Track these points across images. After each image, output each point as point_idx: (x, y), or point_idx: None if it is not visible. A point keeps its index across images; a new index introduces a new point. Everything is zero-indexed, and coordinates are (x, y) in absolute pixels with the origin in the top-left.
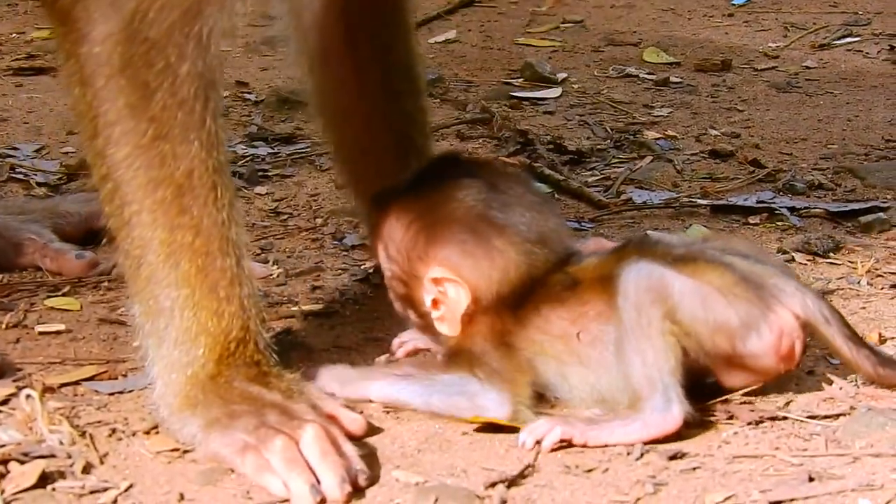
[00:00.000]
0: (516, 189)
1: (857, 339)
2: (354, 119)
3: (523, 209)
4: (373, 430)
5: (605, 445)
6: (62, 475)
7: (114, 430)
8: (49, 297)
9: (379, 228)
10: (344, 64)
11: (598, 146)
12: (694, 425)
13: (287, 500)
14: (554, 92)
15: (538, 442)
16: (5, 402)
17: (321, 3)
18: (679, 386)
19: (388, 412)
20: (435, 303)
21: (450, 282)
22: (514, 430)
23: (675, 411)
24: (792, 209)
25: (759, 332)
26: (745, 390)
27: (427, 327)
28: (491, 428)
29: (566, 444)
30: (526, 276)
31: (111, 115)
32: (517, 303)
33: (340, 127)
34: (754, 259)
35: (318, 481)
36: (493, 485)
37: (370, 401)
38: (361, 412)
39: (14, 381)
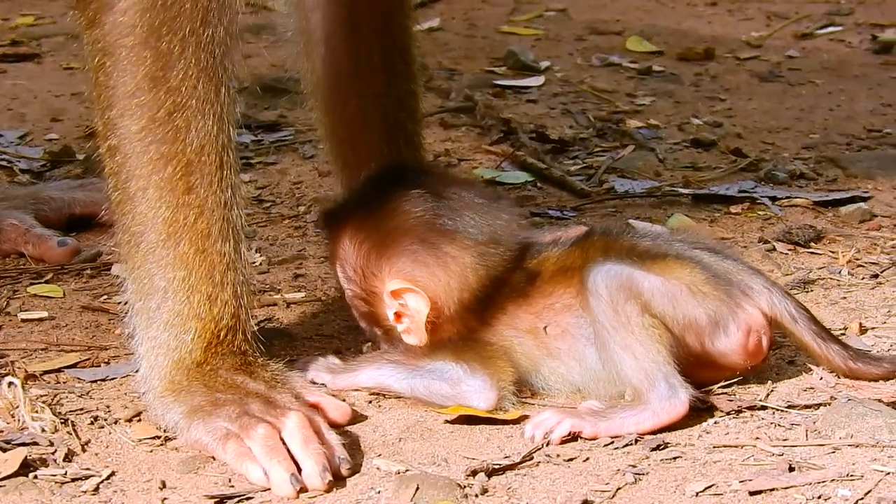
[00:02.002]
0: (462, 193)
1: (826, 335)
2: (348, 99)
3: (472, 212)
4: (355, 418)
5: (617, 437)
6: (44, 463)
7: (96, 418)
8: (32, 284)
9: (334, 249)
10: (344, 43)
11: (581, 135)
12: None
13: (268, 489)
14: (537, 80)
15: (546, 435)
16: None
17: None
18: (677, 372)
19: (369, 401)
20: (398, 316)
21: (408, 292)
22: (493, 420)
23: (682, 396)
24: (773, 199)
25: (728, 331)
26: (725, 382)
27: (395, 341)
28: (472, 417)
29: (571, 437)
30: (486, 278)
31: (130, 85)
32: (483, 304)
33: (334, 108)
34: (722, 254)
35: (300, 469)
36: (474, 473)
37: (357, 389)
38: (344, 400)
39: None
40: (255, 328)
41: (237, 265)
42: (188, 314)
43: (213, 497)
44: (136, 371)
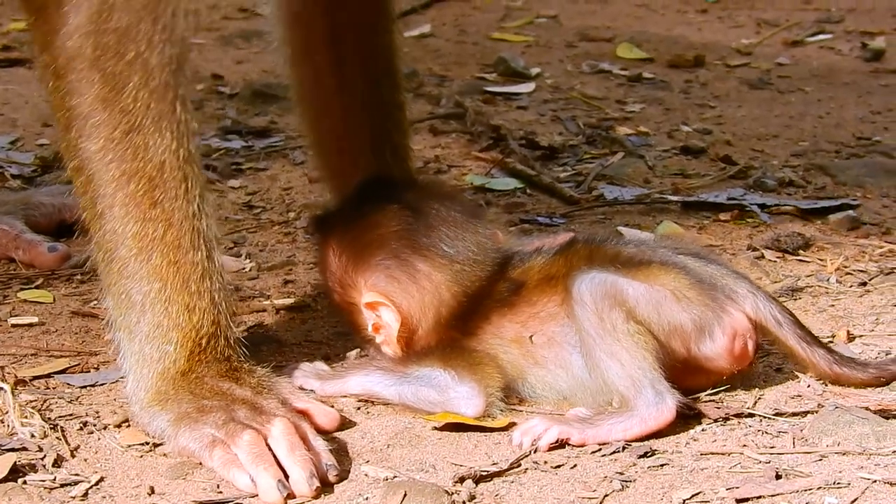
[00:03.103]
0: (441, 208)
1: (811, 339)
2: (333, 111)
3: (448, 229)
4: (343, 424)
5: (605, 444)
6: (33, 468)
7: (85, 424)
8: (22, 289)
9: (319, 258)
10: (326, 55)
11: (571, 142)
12: None
13: (256, 495)
14: (527, 87)
15: (534, 441)
16: None
17: None
18: (664, 378)
19: (358, 408)
20: (375, 327)
21: (382, 306)
22: (481, 427)
23: (669, 402)
24: (762, 206)
25: (713, 335)
26: (713, 389)
27: (379, 347)
28: (459, 424)
29: (559, 444)
30: (461, 294)
31: (83, 107)
32: (463, 317)
33: (319, 118)
34: (706, 259)
35: (287, 476)
36: (462, 480)
37: (346, 395)
38: (332, 406)
39: None
40: (241, 333)
41: (212, 273)
42: (168, 325)
43: (201, 503)
44: (125, 386)
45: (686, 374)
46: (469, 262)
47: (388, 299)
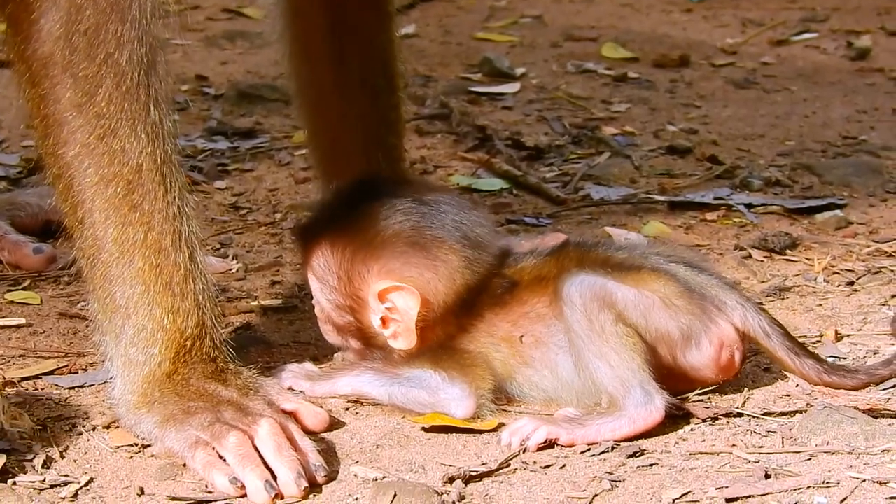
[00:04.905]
0: (442, 199)
1: (800, 350)
2: (330, 110)
3: (454, 217)
4: (332, 425)
5: (593, 444)
6: (22, 469)
7: (74, 425)
8: (9, 290)
9: (311, 262)
10: (324, 55)
11: (557, 142)
12: None
13: (237, 497)
14: (512, 87)
15: (523, 442)
16: None
17: None
18: (653, 379)
19: (347, 408)
20: (384, 321)
21: (397, 290)
22: (470, 429)
23: (658, 402)
24: (749, 206)
25: (700, 345)
26: (702, 389)
27: (372, 351)
28: (449, 425)
29: (548, 445)
30: (471, 281)
31: (58, 114)
32: (463, 310)
33: (316, 116)
34: (698, 268)
35: (275, 477)
36: (451, 480)
37: (335, 396)
38: (321, 407)
39: None
40: (228, 335)
41: (195, 274)
42: (152, 328)
43: (190, 502)
44: (113, 389)
45: (672, 382)
46: (478, 248)
47: (406, 282)
